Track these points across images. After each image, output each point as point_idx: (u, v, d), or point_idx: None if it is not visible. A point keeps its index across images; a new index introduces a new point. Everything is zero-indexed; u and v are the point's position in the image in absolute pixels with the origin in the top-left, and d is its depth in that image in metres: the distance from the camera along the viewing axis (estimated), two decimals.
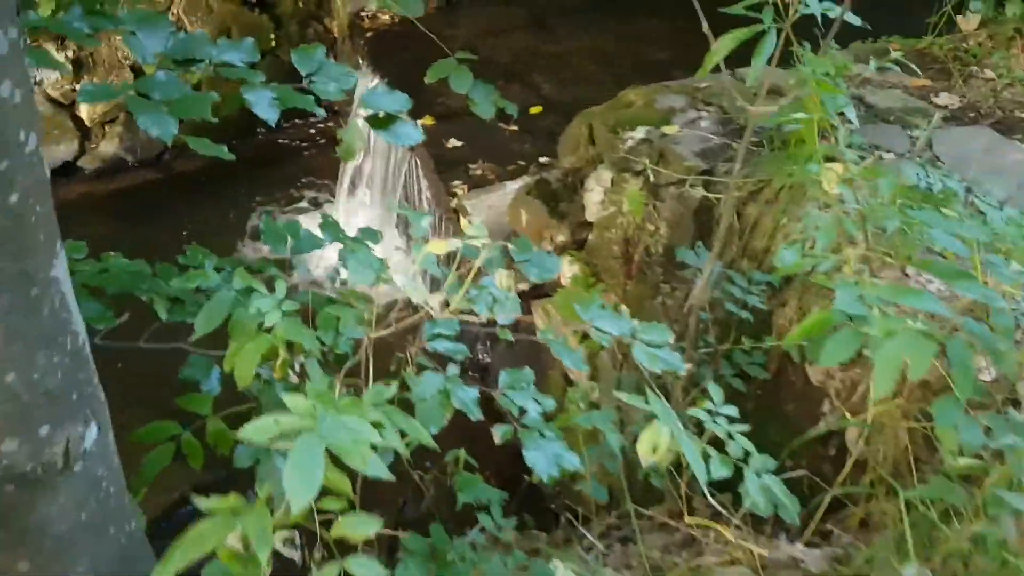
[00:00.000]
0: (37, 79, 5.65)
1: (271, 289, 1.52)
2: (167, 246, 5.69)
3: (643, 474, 2.02)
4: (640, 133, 3.05)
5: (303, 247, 1.71)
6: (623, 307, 3.34)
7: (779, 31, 1.86)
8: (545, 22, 5.84)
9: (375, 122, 1.66)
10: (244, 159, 6.56)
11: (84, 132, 5.87)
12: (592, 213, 3.45)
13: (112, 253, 1.85)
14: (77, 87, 5.78)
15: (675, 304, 3.09)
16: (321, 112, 1.55)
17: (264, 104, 1.52)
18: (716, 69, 1.98)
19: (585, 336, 3.60)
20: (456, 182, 4.35)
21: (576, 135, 3.36)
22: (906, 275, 2.25)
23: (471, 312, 1.53)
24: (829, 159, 2.18)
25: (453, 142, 4.67)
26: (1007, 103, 3.31)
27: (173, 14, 6.06)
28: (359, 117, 1.64)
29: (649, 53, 5.43)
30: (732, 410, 1.76)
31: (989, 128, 3.08)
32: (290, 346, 1.49)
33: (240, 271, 1.57)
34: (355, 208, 5.37)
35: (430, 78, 2.97)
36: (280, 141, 6.49)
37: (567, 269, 3.63)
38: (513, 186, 4.33)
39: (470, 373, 4.63)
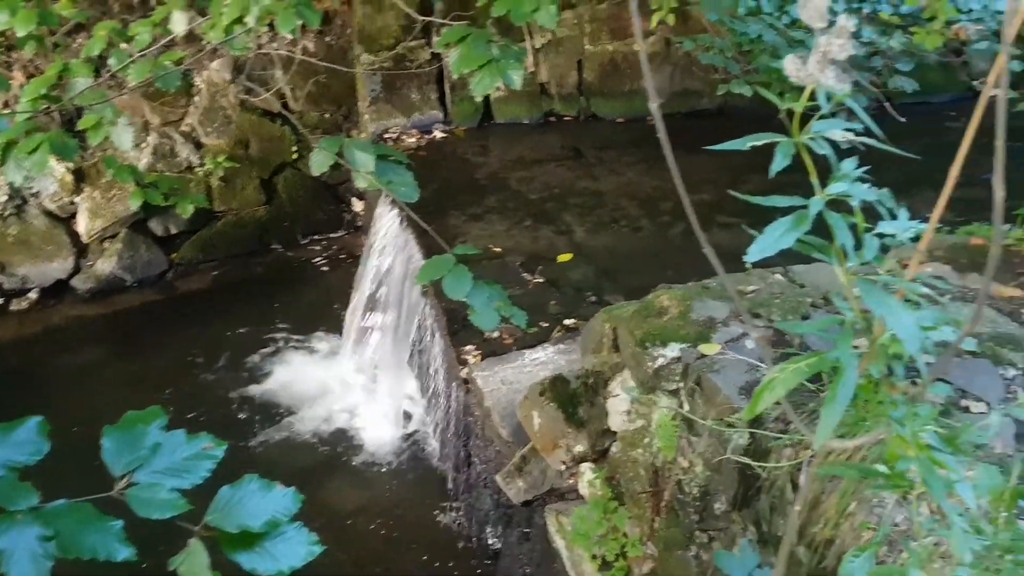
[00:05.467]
0: (34, 190, 5.33)
1: None
2: (162, 377, 5.33)
3: None
4: (673, 351, 2.55)
5: None
6: (649, 545, 2.80)
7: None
8: (583, 155, 5.39)
9: None
10: (257, 276, 6.25)
11: (80, 249, 5.51)
12: (616, 423, 2.94)
13: None
14: (76, 200, 5.46)
15: (711, 562, 2.54)
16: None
17: None
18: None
19: (604, 562, 3.06)
20: (470, 346, 3.87)
21: (599, 334, 2.87)
22: None
23: None
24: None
25: None
26: None
27: (188, 124, 5.76)
28: None
29: (692, 195, 4.94)
30: None
31: None
32: None
33: None
34: (365, 350, 4.92)
35: (420, 279, 2.51)
36: (296, 258, 6.12)
37: (586, 477, 3.11)
38: (532, 355, 3.84)
39: (475, 560, 4.09)
